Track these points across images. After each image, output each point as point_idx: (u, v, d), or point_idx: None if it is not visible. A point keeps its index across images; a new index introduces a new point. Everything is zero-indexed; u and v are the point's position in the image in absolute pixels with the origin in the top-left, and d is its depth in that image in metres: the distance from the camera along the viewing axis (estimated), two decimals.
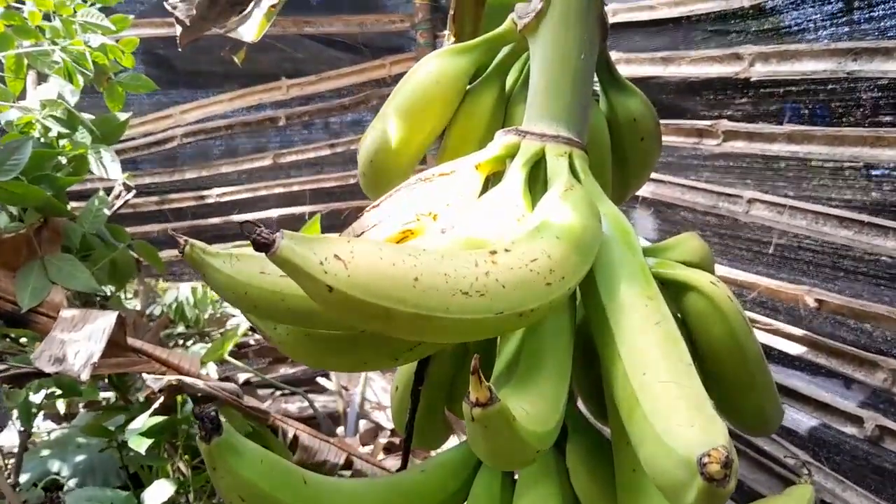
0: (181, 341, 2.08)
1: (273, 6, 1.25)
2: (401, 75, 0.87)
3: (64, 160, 1.45)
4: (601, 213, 0.68)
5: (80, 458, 1.72)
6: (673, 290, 0.72)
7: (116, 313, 1.19)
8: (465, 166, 0.70)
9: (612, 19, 1.67)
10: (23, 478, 1.64)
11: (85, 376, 1.15)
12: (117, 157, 1.49)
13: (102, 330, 1.17)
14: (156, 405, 1.24)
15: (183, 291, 2.05)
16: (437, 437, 0.93)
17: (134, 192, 1.79)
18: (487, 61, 0.86)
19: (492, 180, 0.77)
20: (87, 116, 1.48)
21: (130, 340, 1.35)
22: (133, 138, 2.48)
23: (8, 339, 1.33)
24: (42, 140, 1.43)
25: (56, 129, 1.41)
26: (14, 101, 1.46)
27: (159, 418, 1.21)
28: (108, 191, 1.75)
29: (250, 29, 1.27)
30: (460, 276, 0.52)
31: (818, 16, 1.27)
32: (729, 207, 1.43)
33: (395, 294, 0.49)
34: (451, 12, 1.13)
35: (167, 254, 1.96)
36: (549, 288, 0.56)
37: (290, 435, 1.38)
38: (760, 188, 1.38)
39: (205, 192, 2.57)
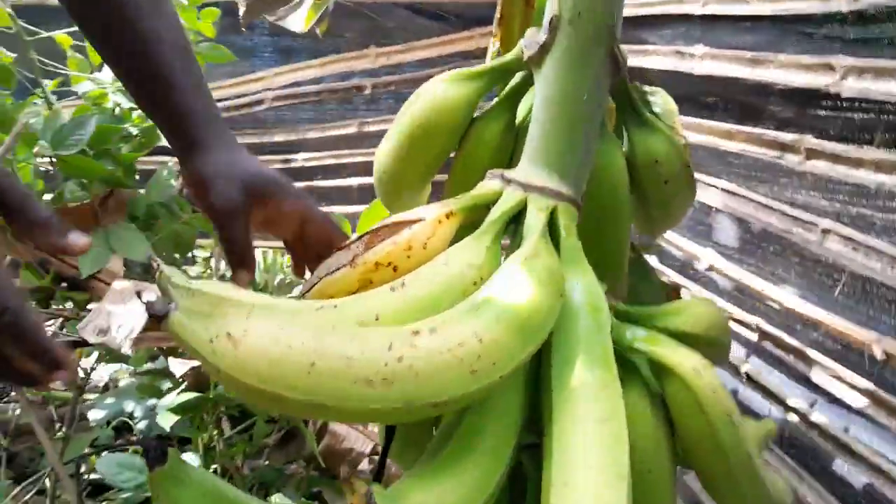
0: None
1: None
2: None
3: (135, 131, 1.51)
4: (575, 282, 0.63)
5: (151, 402, 1.83)
6: (656, 370, 0.66)
7: None
8: (434, 214, 0.66)
9: (701, 10, 1.53)
10: (98, 414, 1.76)
11: (125, 349, 1.21)
12: None
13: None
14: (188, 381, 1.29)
15: None
16: None
17: None
18: (498, 89, 0.80)
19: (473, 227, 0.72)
20: None
21: None
22: (226, 99, 2.56)
23: (71, 303, 1.41)
24: (115, 112, 1.50)
25: (126, 102, 1.47)
26: (91, 72, 1.53)
27: (191, 395, 1.27)
28: None
29: (298, 19, 1.26)
30: (366, 361, 0.49)
31: None
32: (803, 234, 1.30)
33: (286, 381, 0.47)
34: (498, 15, 1.06)
35: None
36: (473, 376, 0.52)
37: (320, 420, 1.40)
38: (839, 219, 1.23)
39: (291, 156, 2.63)
